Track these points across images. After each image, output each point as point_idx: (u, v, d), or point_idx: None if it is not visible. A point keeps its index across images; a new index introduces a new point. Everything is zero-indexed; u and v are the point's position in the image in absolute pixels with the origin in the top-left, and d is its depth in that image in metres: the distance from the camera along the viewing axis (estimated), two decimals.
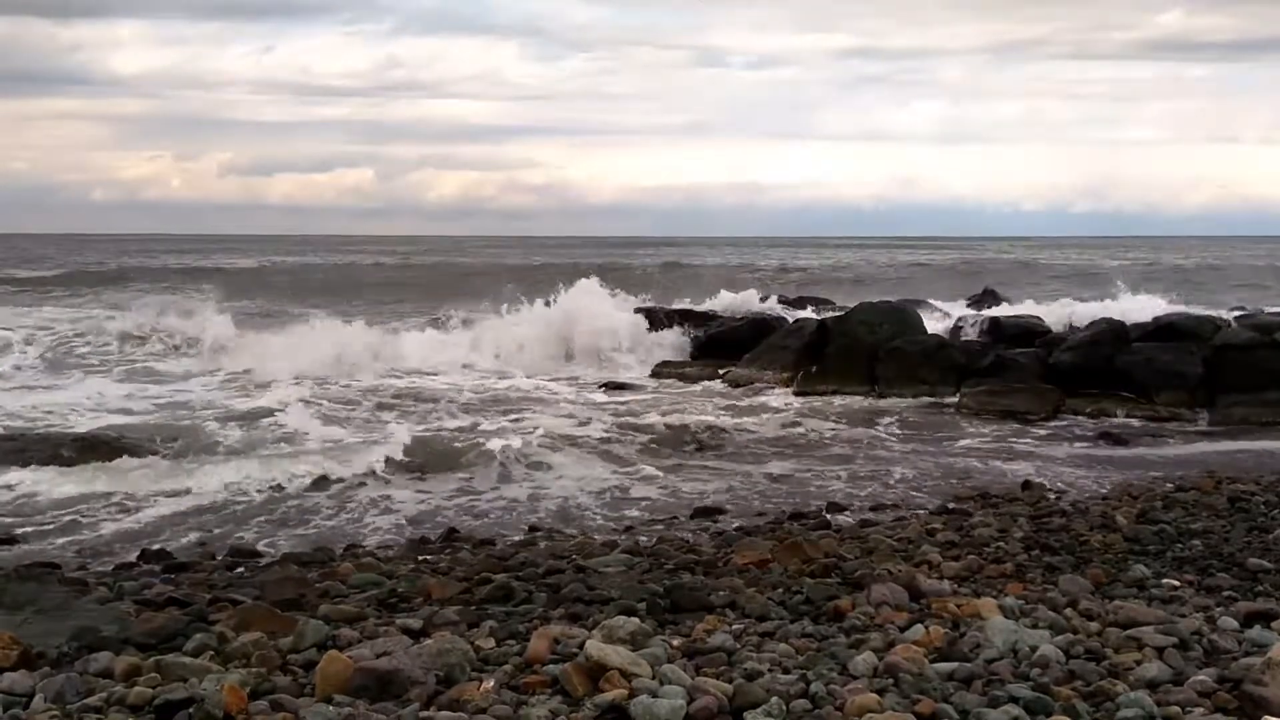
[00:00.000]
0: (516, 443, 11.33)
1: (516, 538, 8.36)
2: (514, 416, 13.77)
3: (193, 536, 8.46)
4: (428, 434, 12.23)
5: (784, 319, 19.85)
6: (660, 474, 10.70)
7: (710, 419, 13.62)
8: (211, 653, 4.74)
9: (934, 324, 18.31)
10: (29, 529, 8.53)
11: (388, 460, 10.61)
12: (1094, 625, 5.04)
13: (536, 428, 12.50)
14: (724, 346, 19.00)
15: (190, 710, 3.91)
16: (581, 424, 13.18)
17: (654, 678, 4.11)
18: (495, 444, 11.28)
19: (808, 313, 20.40)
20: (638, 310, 21.47)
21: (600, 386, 16.94)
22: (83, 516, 8.96)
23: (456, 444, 11.59)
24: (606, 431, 12.67)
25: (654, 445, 12.03)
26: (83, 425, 12.68)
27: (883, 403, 15.20)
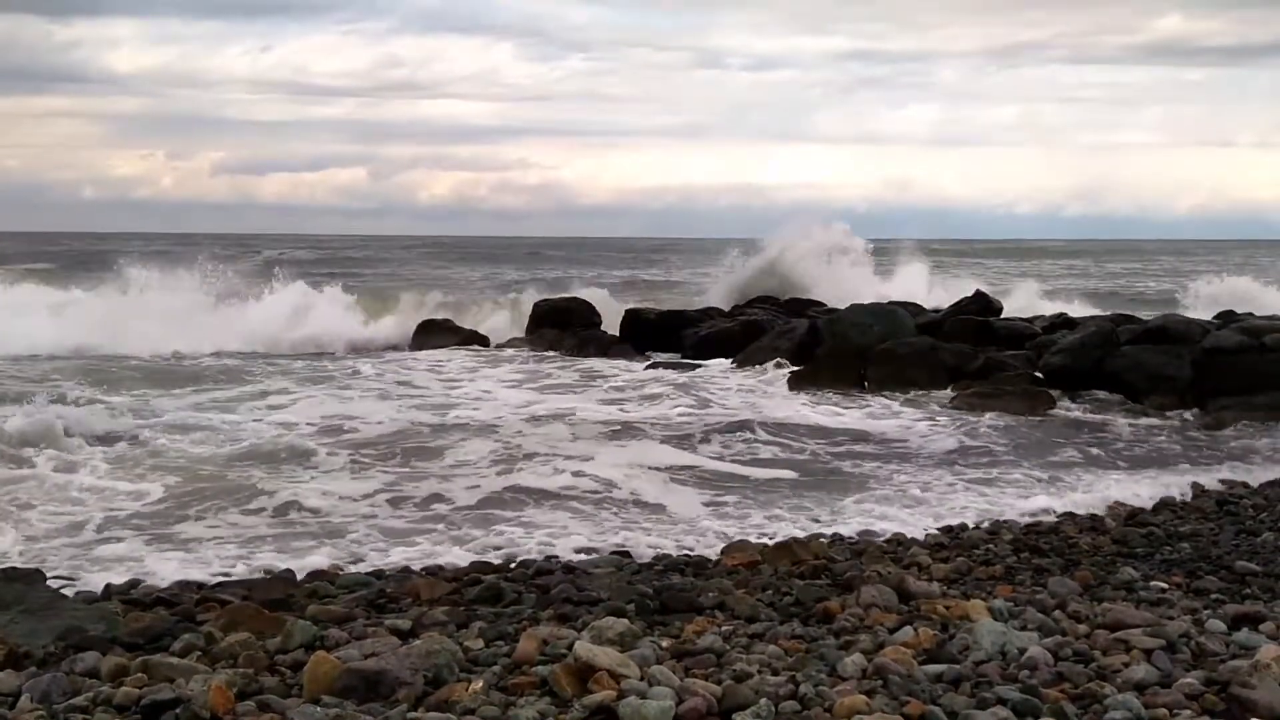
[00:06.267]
0: None
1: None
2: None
3: None
4: None
5: (775, 320, 19.94)
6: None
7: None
8: (199, 653, 4.73)
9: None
10: None
11: None
12: (1082, 627, 5.05)
13: None
14: (716, 346, 19.07)
15: (177, 711, 3.91)
16: None
17: (643, 679, 4.11)
18: None
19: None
20: (628, 310, 21.60)
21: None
22: None
23: None
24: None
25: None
26: None
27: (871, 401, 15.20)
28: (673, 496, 9.27)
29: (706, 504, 9.08)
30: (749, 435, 11.93)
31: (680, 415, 13.50)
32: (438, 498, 9.09)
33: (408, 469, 10.21)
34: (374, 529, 8.15)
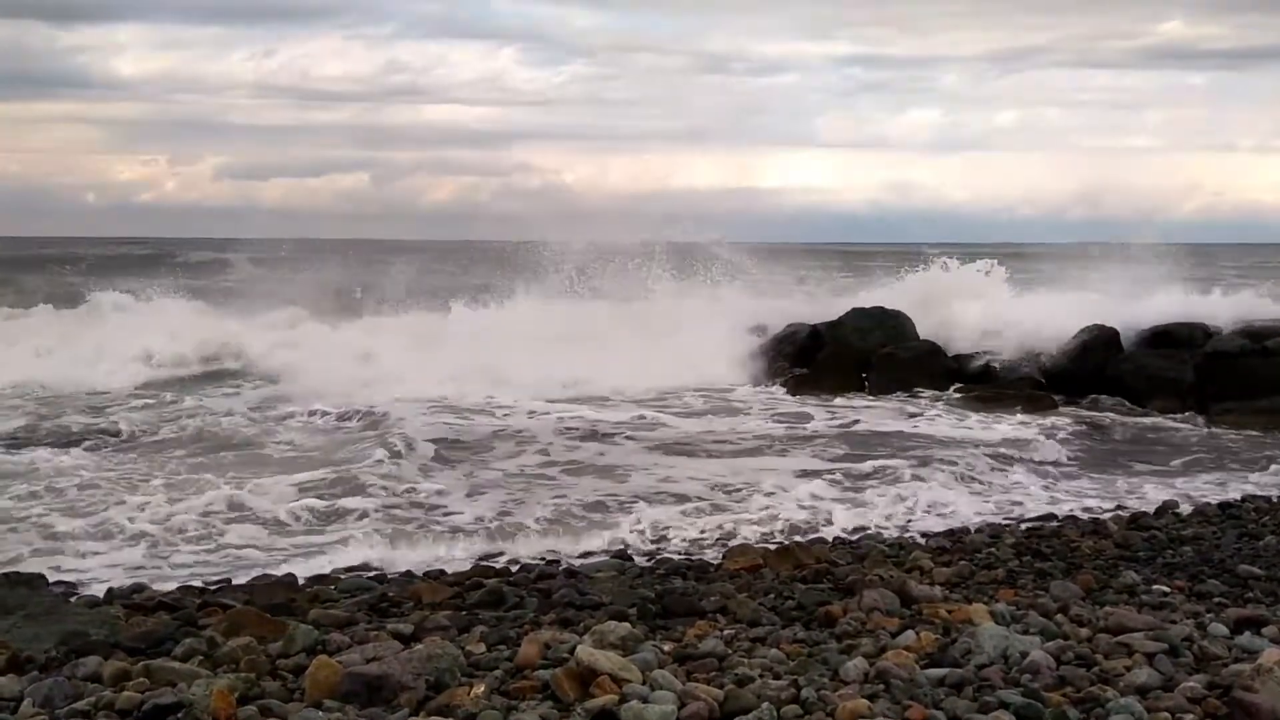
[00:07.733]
0: None
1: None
2: None
3: None
4: None
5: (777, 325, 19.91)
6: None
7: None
8: (201, 657, 4.73)
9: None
10: None
11: None
12: (1085, 631, 5.04)
13: None
14: None
15: (179, 715, 3.91)
16: None
17: (645, 683, 4.10)
18: None
19: None
20: None
21: None
22: None
23: None
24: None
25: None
26: None
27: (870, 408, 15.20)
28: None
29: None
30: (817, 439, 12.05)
31: (717, 424, 13.39)
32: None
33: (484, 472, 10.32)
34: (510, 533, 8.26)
